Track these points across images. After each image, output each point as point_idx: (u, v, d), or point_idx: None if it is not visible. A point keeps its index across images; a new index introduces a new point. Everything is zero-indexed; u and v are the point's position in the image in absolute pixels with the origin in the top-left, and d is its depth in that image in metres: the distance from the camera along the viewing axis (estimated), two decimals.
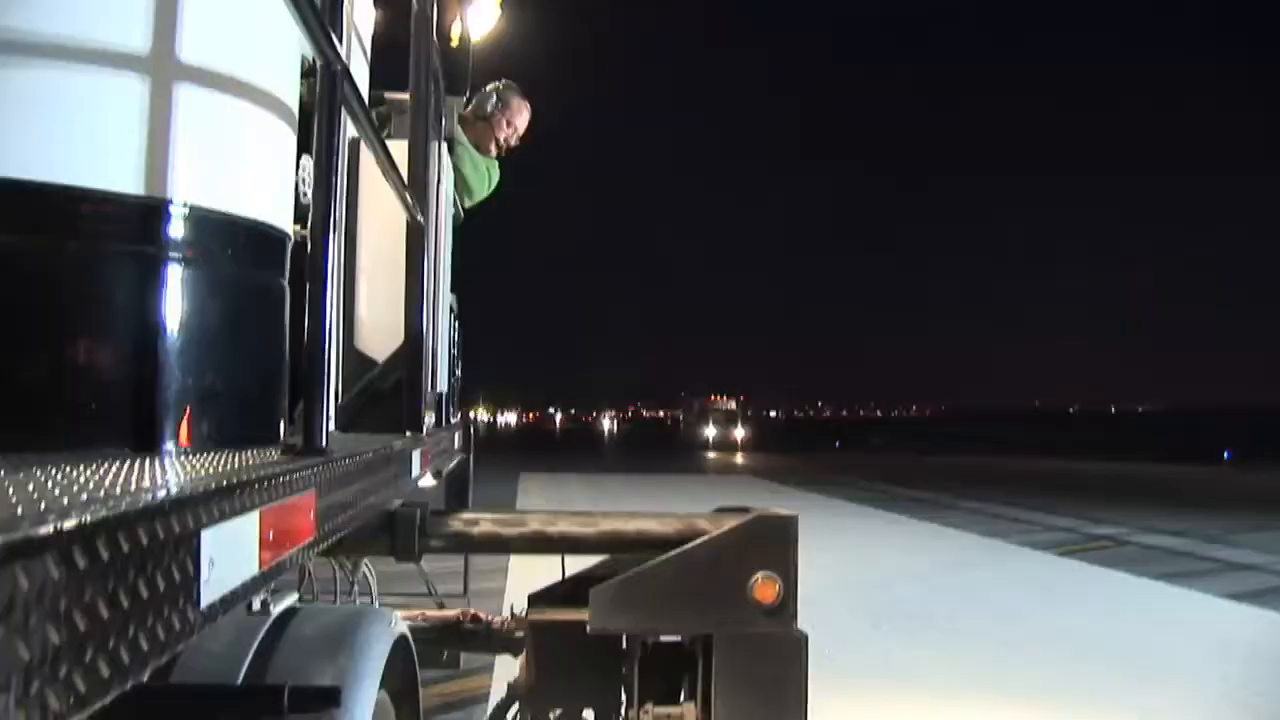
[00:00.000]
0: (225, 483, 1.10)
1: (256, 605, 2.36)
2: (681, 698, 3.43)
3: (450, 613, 4.57)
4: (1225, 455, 41.33)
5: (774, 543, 3.12)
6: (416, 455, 2.86)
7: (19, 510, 0.79)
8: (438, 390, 3.88)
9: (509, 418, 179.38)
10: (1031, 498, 22.69)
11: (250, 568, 1.17)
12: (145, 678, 0.88)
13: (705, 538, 3.14)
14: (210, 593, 1.03)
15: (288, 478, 1.33)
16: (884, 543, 15.14)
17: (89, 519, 0.77)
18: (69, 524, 0.74)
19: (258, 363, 2.05)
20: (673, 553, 3.11)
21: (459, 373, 5.73)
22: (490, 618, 4.43)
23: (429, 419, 3.45)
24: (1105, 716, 6.63)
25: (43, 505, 0.81)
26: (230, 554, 1.10)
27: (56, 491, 0.95)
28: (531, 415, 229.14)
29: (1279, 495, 23.54)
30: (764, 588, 3.06)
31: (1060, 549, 14.68)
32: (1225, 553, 14.49)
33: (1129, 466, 35.89)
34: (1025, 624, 9.38)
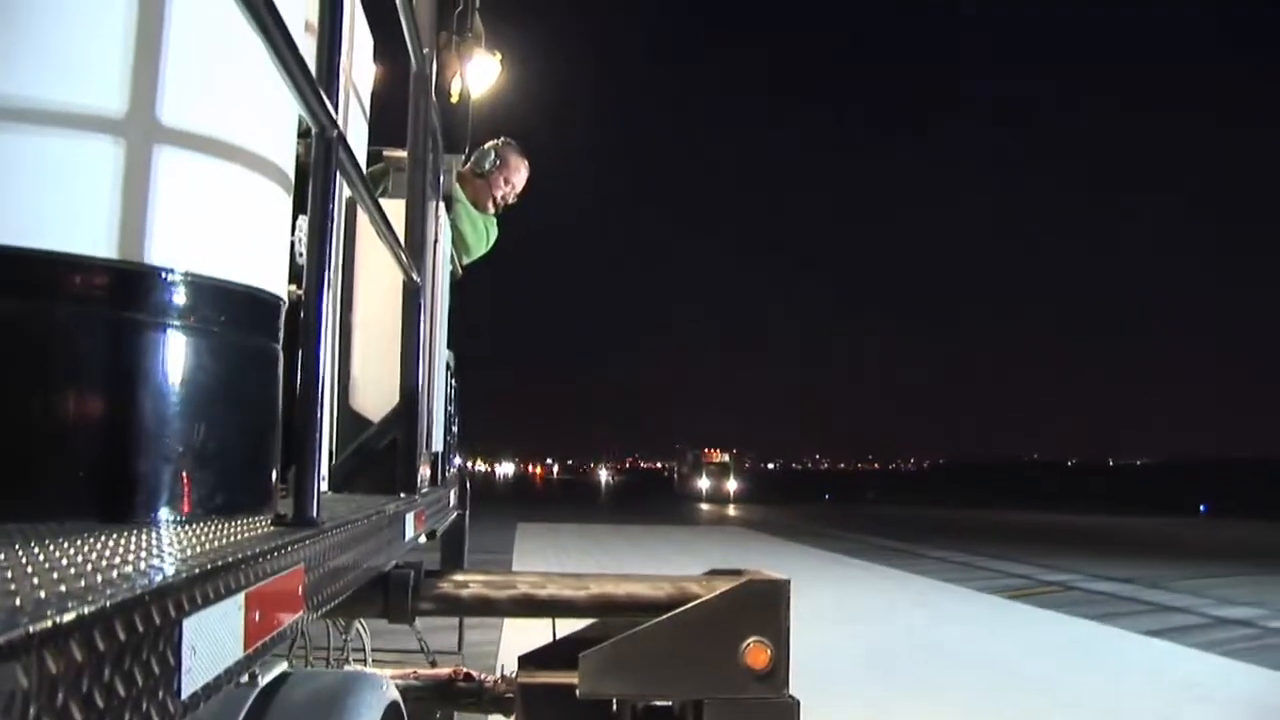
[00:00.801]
0: (209, 565, 1.07)
1: (244, 678, 2.32)
2: None
3: (443, 671, 4.52)
4: (1201, 509, 42.12)
5: (766, 608, 3.09)
6: (410, 517, 2.83)
7: None
8: (433, 449, 3.86)
9: (506, 469, 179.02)
10: (1001, 547, 23.44)
11: (235, 652, 1.14)
12: None
13: (696, 602, 3.11)
14: (191, 682, 1.00)
15: (276, 555, 1.30)
16: (846, 586, 15.57)
17: (64, 620, 0.74)
18: (41, 626, 0.71)
19: (249, 430, 2.03)
20: (664, 617, 3.08)
21: (455, 429, 5.71)
22: (483, 676, 4.38)
23: (424, 477, 3.42)
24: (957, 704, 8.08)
25: (17, 600, 0.79)
26: (214, 640, 1.07)
27: (35, 580, 0.92)
28: (530, 467, 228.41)
29: (1238, 545, 24.55)
30: (755, 653, 3.03)
31: (1011, 593, 15.29)
32: (1161, 596, 15.28)
33: (1106, 519, 36.73)
34: (944, 650, 10.44)
